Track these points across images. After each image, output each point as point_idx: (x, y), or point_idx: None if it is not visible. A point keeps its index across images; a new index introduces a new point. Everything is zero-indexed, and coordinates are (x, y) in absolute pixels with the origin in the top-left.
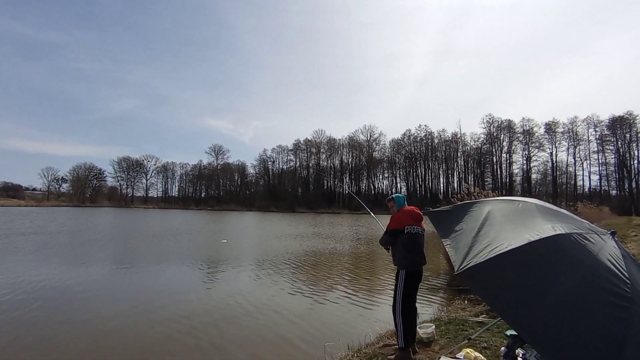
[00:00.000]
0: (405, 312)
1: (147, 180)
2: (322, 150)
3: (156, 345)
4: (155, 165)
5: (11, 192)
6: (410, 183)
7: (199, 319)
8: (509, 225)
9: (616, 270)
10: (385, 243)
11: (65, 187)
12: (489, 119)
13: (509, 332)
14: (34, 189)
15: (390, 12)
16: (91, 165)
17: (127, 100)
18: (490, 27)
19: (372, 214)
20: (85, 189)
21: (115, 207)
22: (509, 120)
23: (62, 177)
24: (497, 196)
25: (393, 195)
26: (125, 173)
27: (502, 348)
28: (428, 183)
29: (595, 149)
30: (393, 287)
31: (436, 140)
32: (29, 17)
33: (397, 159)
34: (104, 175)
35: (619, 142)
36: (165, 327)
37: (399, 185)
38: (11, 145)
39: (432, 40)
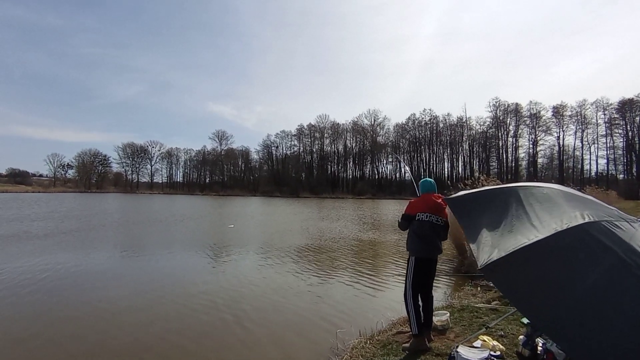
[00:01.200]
0: (416, 298)
1: (151, 166)
2: (325, 135)
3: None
4: (159, 151)
5: (18, 178)
6: (415, 167)
7: (210, 304)
8: (533, 214)
9: None
10: (402, 227)
11: (71, 173)
12: (496, 102)
13: (526, 321)
14: (41, 175)
15: None
16: (96, 151)
17: (131, 86)
18: (497, 8)
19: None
20: (91, 175)
21: (121, 192)
22: (516, 103)
23: (68, 163)
24: (503, 182)
25: (421, 180)
26: (130, 159)
27: (521, 337)
28: (433, 167)
29: (604, 132)
30: (404, 273)
31: (441, 125)
32: (31, 2)
33: (401, 144)
34: (109, 161)
35: (628, 126)
36: (171, 311)
37: (402, 170)
38: (17, 132)
39: (437, 23)
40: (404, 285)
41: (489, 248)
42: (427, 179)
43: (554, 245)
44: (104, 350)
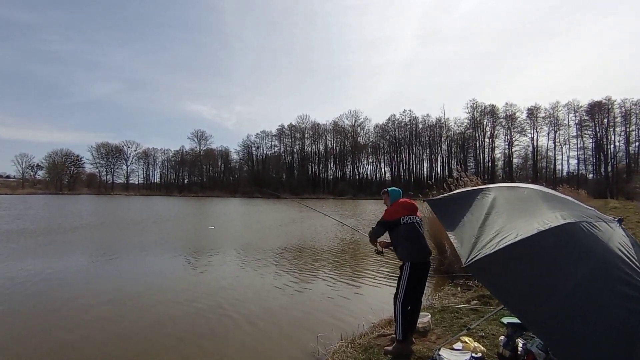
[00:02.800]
0: (406, 305)
1: (127, 167)
2: (306, 135)
3: (141, 336)
4: (135, 151)
5: None
6: (395, 168)
7: (187, 309)
8: (515, 214)
9: (628, 260)
10: (376, 234)
11: (41, 174)
12: (473, 103)
13: (505, 321)
14: (7, 177)
15: None
16: (68, 151)
17: (105, 83)
18: (475, 11)
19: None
20: (62, 176)
21: (95, 194)
22: (493, 105)
23: (38, 163)
24: (480, 182)
25: (388, 189)
26: (105, 159)
27: (501, 337)
28: (412, 168)
29: (575, 133)
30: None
31: (420, 126)
32: None
33: (381, 144)
34: (82, 161)
35: (597, 127)
36: (151, 318)
37: (383, 170)
38: None
39: (417, 24)
40: (395, 290)
41: (473, 246)
42: (395, 188)
43: (537, 245)
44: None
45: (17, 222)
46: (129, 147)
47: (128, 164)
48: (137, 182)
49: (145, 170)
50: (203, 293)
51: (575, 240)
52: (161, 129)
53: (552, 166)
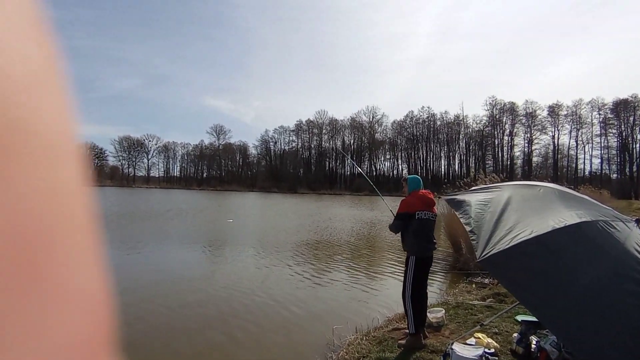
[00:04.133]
0: (415, 298)
1: (148, 160)
2: (324, 131)
3: (156, 324)
4: (156, 145)
5: None
6: (412, 165)
7: (205, 302)
8: (531, 211)
9: None
10: (396, 228)
11: None
12: (492, 101)
13: (520, 318)
14: None
15: None
16: (92, 144)
17: (128, 79)
18: (493, 8)
19: (382, 199)
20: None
21: (117, 186)
22: (512, 102)
23: None
24: (500, 180)
25: (408, 177)
26: (127, 152)
27: (515, 334)
28: (430, 165)
29: (598, 132)
30: (401, 271)
31: (438, 122)
32: None
33: (399, 141)
34: (105, 154)
35: (622, 126)
36: (169, 309)
37: (400, 167)
38: None
39: (434, 21)
40: (402, 284)
41: (488, 242)
42: (415, 175)
43: (552, 242)
44: None
45: None
46: (150, 141)
47: (149, 157)
48: (157, 175)
49: (165, 163)
50: (221, 284)
51: (591, 238)
52: (181, 123)
53: (573, 165)
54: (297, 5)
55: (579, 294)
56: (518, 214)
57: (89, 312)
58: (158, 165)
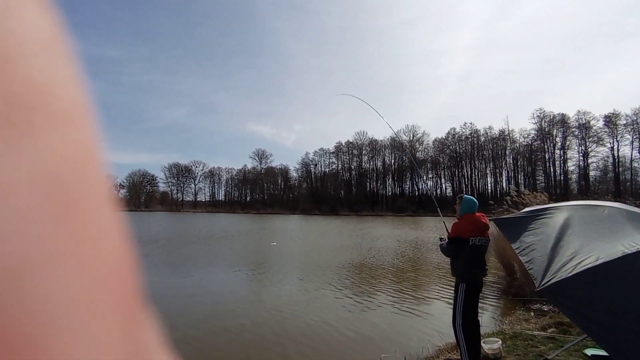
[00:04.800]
0: (468, 327)
1: (195, 185)
2: (364, 152)
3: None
4: (202, 170)
5: None
6: (456, 183)
7: (246, 334)
8: (595, 235)
9: None
10: (449, 252)
11: (123, 192)
12: (540, 113)
13: (589, 352)
14: None
15: (431, 7)
16: (144, 171)
17: (177, 109)
18: (537, 16)
19: (443, 220)
20: (140, 194)
21: (167, 211)
22: (562, 114)
23: (121, 183)
24: (548, 197)
25: (464, 195)
26: (175, 178)
27: None
28: (475, 183)
29: None
30: (450, 295)
31: (482, 138)
32: (93, 37)
33: (441, 159)
34: (156, 180)
35: None
36: (225, 330)
37: (444, 186)
38: None
39: (474, 34)
40: (452, 312)
41: (547, 269)
42: (471, 197)
43: (623, 269)
44: None
45: None
46: (196, 167)
47: (196, 182)
48: (204, 200)
49: (211, 188)
50: (266, 308)
51: None
52: (226, 148)
53: (638, 178)
54: (335, 28)
55: None
56: (580, 238)
57: (113, 263)
58: (204, 190)
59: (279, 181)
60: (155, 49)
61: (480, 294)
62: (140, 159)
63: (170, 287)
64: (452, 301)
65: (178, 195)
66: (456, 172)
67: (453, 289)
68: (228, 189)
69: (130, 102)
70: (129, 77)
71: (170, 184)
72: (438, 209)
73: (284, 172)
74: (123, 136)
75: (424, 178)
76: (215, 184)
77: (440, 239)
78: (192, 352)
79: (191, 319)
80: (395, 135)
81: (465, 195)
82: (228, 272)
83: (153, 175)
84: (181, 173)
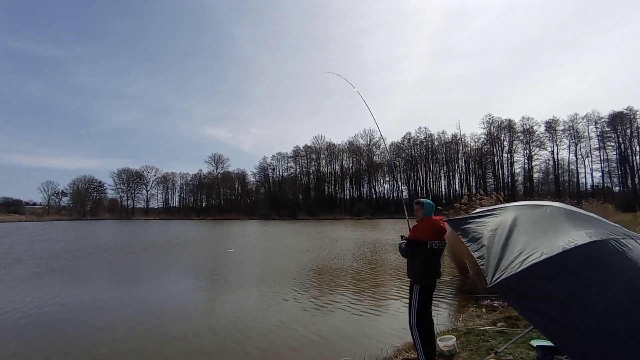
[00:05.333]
0: (422, 325)
1: (147, 192)
2: (322, 156)
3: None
4: (155, 176)
5: (11, 207)
6: (412, 186)
7: (205, 340)
8: (539, 232)
9: None
10: (407, 254)
11: (65, 200)
12: (489, 119)
13: (535, 343)
14: (34, 204)
15: (387, 16)
16: (91, 177)
17: (127, 112)
18: (487, 27)
19: (408, 221)
20: (85, 202)
21: (116, 219)
22: (509, 119)
23: (62, 190)
24: (495, 200)
25: (423, 200)
26: (126, 185)
27: None
28: (430, 186)
29: (597, 145)
30: (407, 298)
31: (436, 142)
32: (30, 33)
33: (397, 163)
34: (104, 187)
35: (620, 138)
36: (171, 345)
37: (400, 188)
38: (12, 160)
39: (429, 43)
40: (408, 314)
41: (498, 266)
42: (429, 200)
43: (565, 264)
44: None
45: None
46: (148, 172)
47: (148, 188)
48: (156, 207)
49: (164, 194)
50: (224, 316)
51: (603, 258)
52: (180, 153)
53: (575, 180)
54: (294, 33)
55: (597, 316)
56: (526, 236)
57: None
58: (157, 196)
59: (236, 186)
60: (101, 48)
61: (435, 293)
62: (86, 165)
63: (121, 299)
64: (407, 301)
65: (128, 202)
66: (412, 175)
67: (407, 287)
68: (182, 195)
69: (74, 104)
70: (73, 77)
71: (119, 190)
72: (406, 212)
73: (241, 176)
74: (66, 140)
75: (381, 181)
76: (169, 190)
77: (402, 237)
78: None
79: (141, 331)
80: (378, 129)
81: (425, 200)
82: (183, 281)
83: (100, 182)
84: (132, 179)
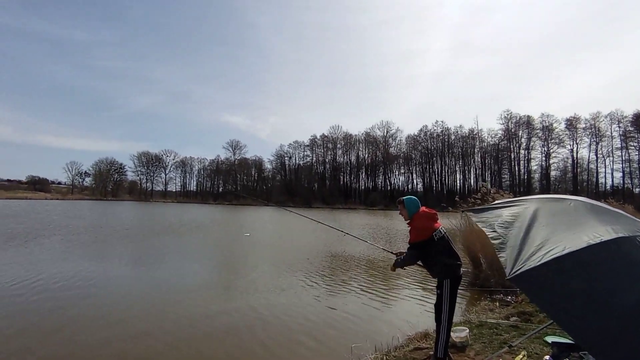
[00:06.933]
0: (451, 322)
1: (166, 175)
2: (338, 145)
3: (168, 348)
4: (173, 160)
5: (38, 186)
6: (427, 179)
7: (220, 320)
8: (562, 226)
9: None
10: (413, 259)
11: (88, 181)
12: (507, 114)
13: (550, 339)
14: (59, 183)
15: (407, 9)
16: (112, 159)
17: (149, 96)
18: (507, 23)
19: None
20: (107, 183)
21: (136, 201)
22: (528, 116)
23: (86, 171)
24: (515, 195)
25: (404, 199)
26: (145, 168)
27: (546, 357)
28: (445, 179)
29: (619, 145)
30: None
31: (453, 137)
32: (58, 18)
33: (413, 155)
34: (125, 169)
35: None
36: (184, 329)
37: (415, 181)
38: (39, 141)
39: (449, 37)
40: (437, 308)
41: (518, 258)
42: (410, 196)
43: (589, 259)
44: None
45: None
46: (167, 156)
47: (167, 172)
48: (174, 190)
49: (182, 178)
50: (238, 301)
51: (631, 255)
52: (199, 138)
53: (594, 179)
54: (316, 24)
55: (623, 314)
56: (548, 229)
57: None
58: (175, 180)
59: (253, 172)
60: (125, 33)
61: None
62: (108, 147)
63: (148, 279)
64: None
65: (147, 184)
66: (427, 168)
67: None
68: (200, 179)
69: (97, 88)
70: (97, 61)
71: (139, 172)
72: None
73: (258, 163)
74: (89, 123)
75: (396, 173)
76: (187, 174)
77: (397, 254)
78: (158, 345)
79: (157, 308)
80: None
81: (406, 197)
82: (202, 263)
83: (121, 164)
84: (151, 162)
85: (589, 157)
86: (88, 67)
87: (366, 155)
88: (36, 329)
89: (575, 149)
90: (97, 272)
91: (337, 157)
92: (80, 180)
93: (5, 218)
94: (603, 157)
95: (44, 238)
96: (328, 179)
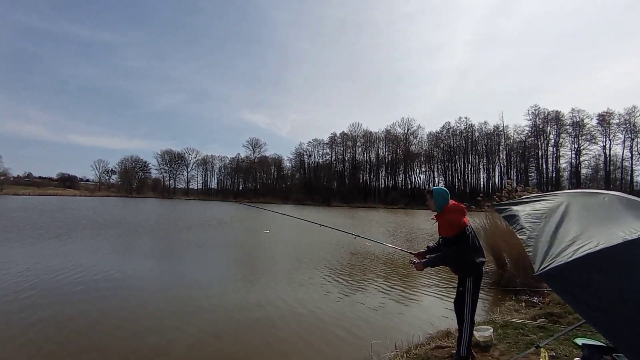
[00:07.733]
0: (474, 320)
1: (187, 173)
2: (358, 143)
3: (191, 342)
4: (195, 158)
5: (67, 183)
6: (449, 177)
7: (256, 312)
8: (595, 221)
9: None
10: (449, 258)
11: (114, 178)
12: (535, 110)
13: (580, 341)
14: (87, 180)
15: (429, 1)
16: (137, 157)
17: (172, 95)
18: (537, 13)
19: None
20: (132, 181)
21: (159, 198)
22: (557, 111)
23: (112, 169)
24: (541, 192)
25: (432, 189)
26: (168, 165)
27: (576, 359)
28: (468, 177)
29: None
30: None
31: (477, 133)
32: (86, 19)
33: (435, 153)
34: (149, 167)
35: None
36: (221, 321)
37: (436, 180)
38: (69, 139)
39: (474, 29)
40: (460, 306)
41: (547, 254)
42: (439, 187)
43: (625, 256)
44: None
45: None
46: (189, 154)
47: (188, 170)
48: (196, 187)
49: (203, 176)
50: (258, 298)
51: None
52: (220, 137)
53: (628, 177)
54: (334, 19)
55: None
56: (580, 224)
57: None
58: (197, 177)
59: (272, 170)
60: (149, 34)
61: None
62: (133, 145)
63: (175, 274)
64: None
65: (170, 182)
66: (449, 166)
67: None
68: (221, 177)
69: (122, 87)
70: (122, 61)
71: (162, 170)
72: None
73: (278, 161)
74: (115, 121)
75: (417, 171)
76: (208, 172)
77: (428, 247)
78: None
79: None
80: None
81: (435, 188)
82: (225, 257)
83: (145, 162)
84: (174, 160)
85: (622, 154)
86: (114, 67)
87: (386, 153)
88: (85, 316)
89: (608, 145)
90: (135, 267)
91: (357, 155)
92: (107, 177)
93: (47, 212)
94: (639, 154)
95: (77, 231)
96: (347, 177)
